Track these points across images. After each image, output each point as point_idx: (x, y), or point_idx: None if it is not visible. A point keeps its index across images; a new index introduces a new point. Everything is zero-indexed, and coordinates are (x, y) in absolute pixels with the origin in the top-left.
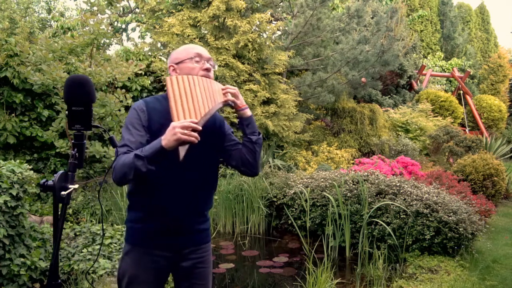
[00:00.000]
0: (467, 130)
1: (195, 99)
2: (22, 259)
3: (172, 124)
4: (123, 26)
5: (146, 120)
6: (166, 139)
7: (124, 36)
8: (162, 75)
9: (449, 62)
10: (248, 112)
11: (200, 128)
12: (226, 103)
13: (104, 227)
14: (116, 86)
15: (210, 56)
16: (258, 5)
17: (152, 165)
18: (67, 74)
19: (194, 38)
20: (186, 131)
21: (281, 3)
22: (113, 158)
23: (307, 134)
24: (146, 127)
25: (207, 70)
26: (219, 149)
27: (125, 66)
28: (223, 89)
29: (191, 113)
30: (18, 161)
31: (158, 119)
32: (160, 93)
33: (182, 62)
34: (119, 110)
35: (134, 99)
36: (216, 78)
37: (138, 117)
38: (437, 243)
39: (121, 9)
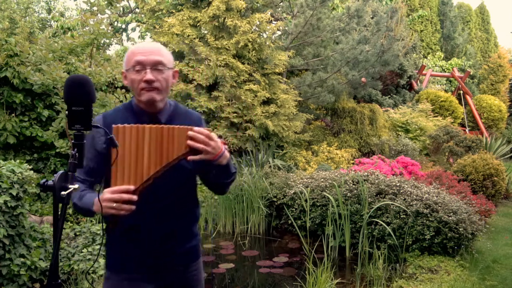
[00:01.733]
0: (467, 130)
1: (140, 160)
2: (22, 259)
3: (104, 192)
4: (123, 26)
5: (103, 139)
6: (96, 205)
7: (124, 36)
8: None
9: (449, 62)
10: (224, 161)
11: (136, 198)
12: (189, 158)
13: (104, 227)
14: (116, 86)
15: (159, 57)
16: (258, 5)
17: (91, 215)
18: (67, 74)
19: (194, 38)
20: (114, 205)
21: (281, 3)
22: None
23: (307, 134)
24: (105, 147)
25: (148, 82)
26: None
27: None
28: (190, 137)
29: (131, 178)
30: (18, 161)
31: None
32: None
33: (128, 70)
34: None
35: None
36: (216, 78)
37: (91, 138)
38: (437, 243)
39: (121, 9)
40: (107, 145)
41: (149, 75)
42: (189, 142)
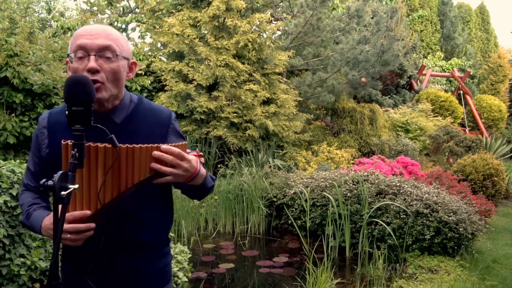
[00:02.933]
0: (467, 130)
1: (94, 185)
2: (22, 259)
3: None
4: (123, 26)
5: (46, 142)
6: (45, 231)
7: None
8: (162, 75)
9: (449, 62)
10: (200, 180)
11: (94, 225)
12: (154, 182)
13: None
14: None
15: (107, 41)
16: (258, 5)
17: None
18: (67, 74)
19: (194, 38)
20: (68, 236)
21: (281, 3)
22: None
23: (307, 134)
24: (48, 152)
25: (91, 71)
26: None
27: None
28: (155, 157)
29: (85, 204)
30: (18, 161)
31: (64, 136)
32: (160, 93)
33: (70, 58)
34: None
35: None
36: (216, 78)
37: (35, 140)
38: (437, 243)
39: (121, 9)
40: (50, 149)
41: (92, 63)
42: (154, 165)
